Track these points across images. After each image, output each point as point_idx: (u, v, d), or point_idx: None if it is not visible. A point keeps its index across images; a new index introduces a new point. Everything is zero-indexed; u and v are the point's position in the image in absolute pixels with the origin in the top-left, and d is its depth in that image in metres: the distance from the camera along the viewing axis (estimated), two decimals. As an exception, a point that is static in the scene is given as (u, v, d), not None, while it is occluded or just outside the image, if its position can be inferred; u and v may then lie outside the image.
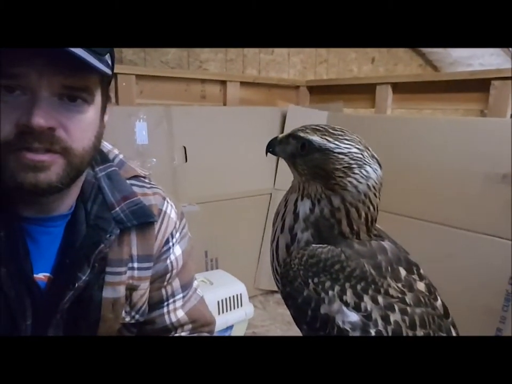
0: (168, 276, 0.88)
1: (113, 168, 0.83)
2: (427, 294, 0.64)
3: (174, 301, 0.90)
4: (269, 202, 2.53)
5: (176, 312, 0.89)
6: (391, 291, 0.59)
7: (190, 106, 2.46)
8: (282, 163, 2.52)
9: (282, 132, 2.52)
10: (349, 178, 0.60)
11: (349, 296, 0.58)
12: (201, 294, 0.95)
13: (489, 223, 1.79)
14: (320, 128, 0.62)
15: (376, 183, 0.62)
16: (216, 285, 2.03)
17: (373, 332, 0.57)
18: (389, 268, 0.61)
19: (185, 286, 0.91)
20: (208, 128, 2.31)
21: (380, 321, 0.57)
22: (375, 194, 0.62)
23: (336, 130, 0.62)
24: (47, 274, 0.75)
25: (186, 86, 2.49)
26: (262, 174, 2.53)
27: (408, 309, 0.59)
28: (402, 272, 0.63)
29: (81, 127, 0.68)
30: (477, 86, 2.00)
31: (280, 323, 2.17)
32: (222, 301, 1.96)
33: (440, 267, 1.76)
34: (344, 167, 0.60)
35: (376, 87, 2.33)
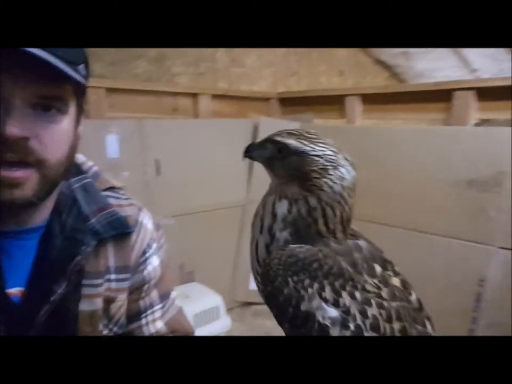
0: (146, 286, 0.87)
1: (88, 180, 0.81)
2: (402, 289, 0.66)
3: (153, 312, 0.88)
4: (243, 214, 2.54)
5: (155, 323, 0.88)
6: (368, 287, 0.62)
7: (162, 119, 2.45)
8: (256, 174, 2.55)
9: (255, 144, 2.54)
10: (325, 179, 0.63)
11: (327, 293, 0.60)
12: (179, 305, 0.94)
13: (458, 227, 1.85)
14: (296, 133, 0.65)
15: (350, 184, 0.64)
16: (193, 298, 2.01)
17: (352, 326, 0.58)
18: (365, 265, 0.64)
19: (164, 297, 0.90)
20: (181, 141, 2.31)
21: (358, 316, 0.59)
22: (349, 195, 0.64)
23: (311, 134, 0.65)
24: (21, 288, 0.73)
25: (158, 99, 2.49)
26: (235, 185, 2.54)
27: (385, 303, 0.61)
28: (378, 268, 0.65)
29: (55, 137, 0.67)
30: (441, 96, 2.08)
31: (258, 334, 2.16)
32: (198, 314, 1.94)
33: (413, 271, 1.80)
34: (319, 169, 0.62)
35: (345, 98, 2.39)
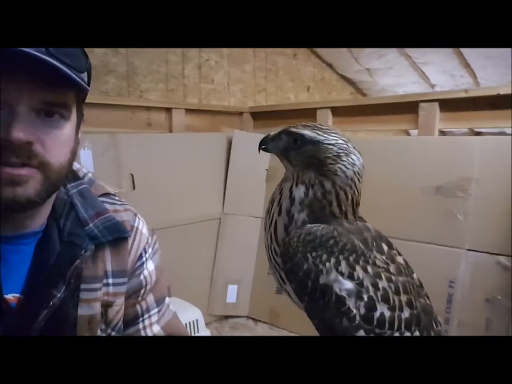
0: (142, 291, 0.88)
1: (84, 186, 0.82)
2: (405, 266, 0.73)
3: (150, 316, 0.89)
4: (219, 227, 2.54)
5: (152, 327, 0.88)
6: (378, 262, 0.68)
7: (136, 134, 2.44)
8: (231, 188, 2.56)
9: (228, 157, 2.57)
10: (338, 165, 0.68)
11: (343, 267, 0.65)
12: (174, 310, 0.95)
13: (428, 232, 1.93)
14: (310, 125, 0.71)
15: (360, 169, 0.71)
16: (172, 313, 1.98)
17: (365, 297, 0.64)
18: (374, 243, 0.70)
19: (159, 301, 0.91)
20: (155, 155, 2.30)
21: (371, 288, 0.65)
22: (359, 180, 0.71)
23: (323, 126, 0.71)
24: (17, 295, 0.72)
25: (132, 113, 2.48)
26: (211, 199, 2.54)
27: (393, 277, 0.68)
28: (385, 247, 0.71)
29: (58, 142, 0.69)
30: (407, 108, 2.19)
31: (238, 347, 2.15)
32: (178, 328, 1.92)
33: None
34: (334, 155, 0.68)
35: (316, 111, 2.47)
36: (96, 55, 3.03)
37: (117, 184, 2.16)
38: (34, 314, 0.71)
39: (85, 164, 2.05)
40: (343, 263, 0.65)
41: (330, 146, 0.68)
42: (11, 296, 0.72)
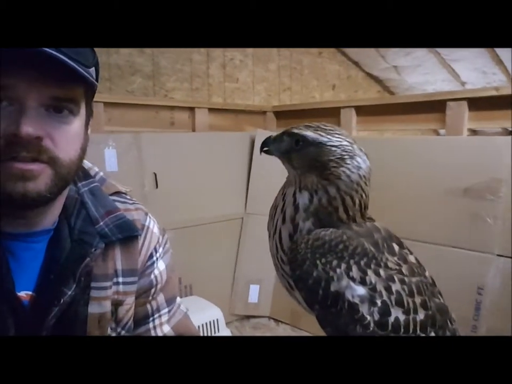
0: (152, 290, 0.87)
1: (95, 184, 0.83)
2: (418, 265, 0.69)
3: (160, 316, 0.88)
4: (241, 227, 2.54)
5: (162, 327, 0.88)
6: (390, 264, 0.65)
7: (159, 133, 2.46)
8: (253, 187, 2.55)
9: (251, 156, 2.56)
10: (342, 168, 0.65)
11: (354, 272, 0.62)
12: (185, 310, 0.94)
13: (456, 236, 1.87)
14: (312, 125, 0.67)
15: (366, 172, 0.67)
16: (192, 311, 1.97)
17: (379, 302, 0.61)
18: (385, 244, 0.67)
19: (170, 301, 0.90)
20: (178, 154, 2.32)
21: (384, 292, 0.62)
22: (365, 183, 0.67)
23: (327, 126, 0.67)
24: (29, 292, 0.73)
25: (155, 113, 2.50)
26: (233, 198, 2.54)
27: (406, 278, 0.64)
28: (396, 247, 0.68)
29: (67, 137, 0.69)
30: (434, 107, 2.12)
31: (258, 347, 2.14)
32: (198, 327, 1.92)
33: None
34: (337, 158, 0.65)
35: (340, 110, 2.43)
36: (122, 55, 3.07)
37: (139, 183, 2.19)
38: (46, 312, 0.71)
39: (109, 163, 2.09)
40: (354, 268, 0.62)
41: (333, 149, 0.65)
42: (23, 294, 0.72)
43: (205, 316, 1.99)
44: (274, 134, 0.71)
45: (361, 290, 0.61)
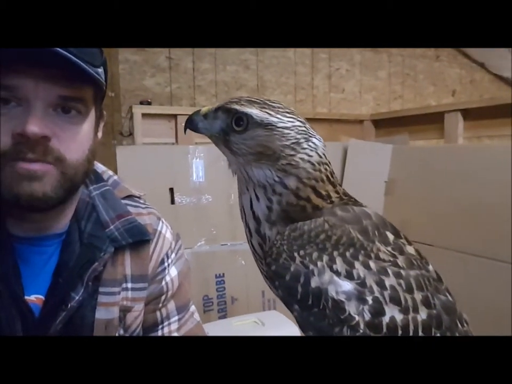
0: (163, 297, 0.84)
1: (107, 187, 0.83)
2: (418, 257, 0.58)
3: (169, 324, 0.85)
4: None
5: (171, 335, 0.84)
6: (382, 255, 0.55)
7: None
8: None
9: (344, 167, 2.41)
10: (300, 155, 0.55)
11: (339, 265, 0.53)
12: (198, 319, 0.89)
13: None
14: (258, 100, 0.56)
15: (323, 149, 0.57)
16: (268, 326, 1.93)
17: (369, 300, 0.52)
18: (376, 232, 0.57)
19: (181, 309, 0.87)
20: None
21: (375, 287, 0.52)
22: (325, 156, 0.57)
23: (275, 103, 0.56)
24: (40, 296, 0.74)
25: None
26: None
27: (402, 272, 0.54)
28: (390, 236, 0.58)
29: (74, 138, 0.69)
30: None
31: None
32: (272, 343, 1.86)
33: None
34: (292, 143, 0.55)
35: (444, 115, 2.15)
36: (228, 72, 3.21)
37: (226, 195, 2.22)
38: (53, 316, 0.72)
39: (196, 173, 2.16)
40: (339, 260, 0.53)
41: (286, 131, 0.54)
42: (34, 297, 0.73)
43: (280, 332, 1.91)
44: (205, 107, 0.58)
45: (347, 285, 0.52)
